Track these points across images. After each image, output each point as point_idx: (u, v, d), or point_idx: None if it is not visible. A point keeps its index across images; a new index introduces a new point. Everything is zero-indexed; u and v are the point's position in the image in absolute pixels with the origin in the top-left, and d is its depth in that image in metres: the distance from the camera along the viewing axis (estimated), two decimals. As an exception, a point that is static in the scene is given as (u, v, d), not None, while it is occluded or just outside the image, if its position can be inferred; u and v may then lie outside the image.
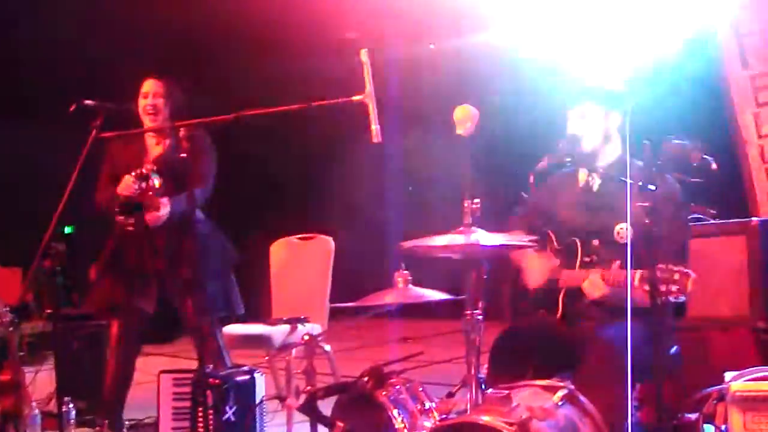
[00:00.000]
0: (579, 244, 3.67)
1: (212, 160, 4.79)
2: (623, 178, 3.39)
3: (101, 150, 4.64)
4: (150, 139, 4.83)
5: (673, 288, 3.09)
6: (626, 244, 3.56)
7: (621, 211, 3.59)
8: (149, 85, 4.77)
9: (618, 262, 3.45)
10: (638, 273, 3.28)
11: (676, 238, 3.48)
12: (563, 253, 3.72)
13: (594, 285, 3.49)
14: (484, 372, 3.37)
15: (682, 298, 3.15)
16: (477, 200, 3.18)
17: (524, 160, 3.78)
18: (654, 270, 3.03)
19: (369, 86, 3.27)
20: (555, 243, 3.77)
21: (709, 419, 3.77)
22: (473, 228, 3.16)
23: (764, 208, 5.05)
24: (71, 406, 5.21)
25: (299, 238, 5.77)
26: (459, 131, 3.22)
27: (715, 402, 3.74)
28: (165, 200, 4.56)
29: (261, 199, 12.25)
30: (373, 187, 11.49)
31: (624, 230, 3.59)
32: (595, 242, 3.66)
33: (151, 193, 4.53)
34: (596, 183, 3.73)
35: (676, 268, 3.10)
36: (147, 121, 4.75)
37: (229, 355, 4.81)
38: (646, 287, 3.16)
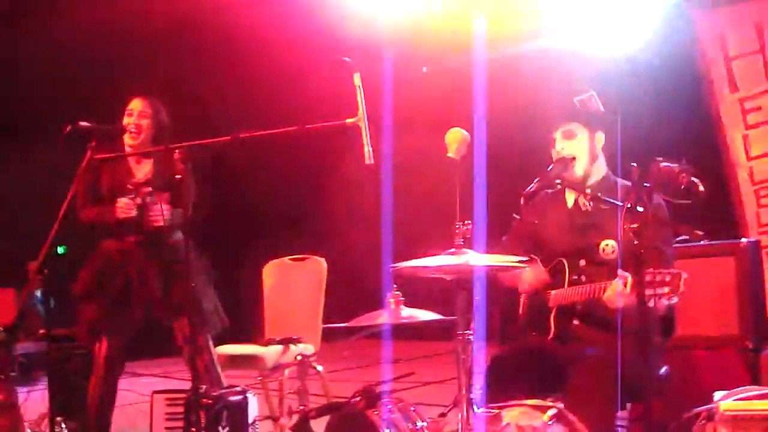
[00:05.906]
0: (566, 264, 3.69)
1: (194, 185, 4.75)
2: (613, 200, 3.42)
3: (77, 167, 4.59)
4: (131, 159, 4.78)
5: (665, 289, 3.09)
6: (612, 260, 3.59)
7: (606, 230, 3.62)
8: (135, 104, 4.73)
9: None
10: (629, 278, 3.28)
11: (661, 249, 3.50)
12: (550, 273, 3.74)
13: (617, 294, 3.36)
14: (475, 392, 3.38)
15: (674, 299, 3.14)
16: (468, 222, 3.22)
17: (516, 182, 3.80)
18: (643, 275, 3.02)
19: (362, 109, 3.32)
20: (541, 265, 3.79)
21: (699, 439, 3.78)
22: (464, 249, 3.19)
23: (753, 230, 5.09)
24: (63, 426, 5.22)
25: (292, 259, 5.78)
26: (450, 153, 3.27)
27: (704, 422, 3.75)
28: (158, 204, 4.55)
29: (254, 221, 12.26)
30: (365, 208, 11.52)
31: (609, 246, 3.61)
32: (582, 262, 3.67)
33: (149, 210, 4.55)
34: (585, 204, 3.75)
35: (666, 270, 3.11)
36: (127, 139, 4.69)
37: (222, 373, 4.81)
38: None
